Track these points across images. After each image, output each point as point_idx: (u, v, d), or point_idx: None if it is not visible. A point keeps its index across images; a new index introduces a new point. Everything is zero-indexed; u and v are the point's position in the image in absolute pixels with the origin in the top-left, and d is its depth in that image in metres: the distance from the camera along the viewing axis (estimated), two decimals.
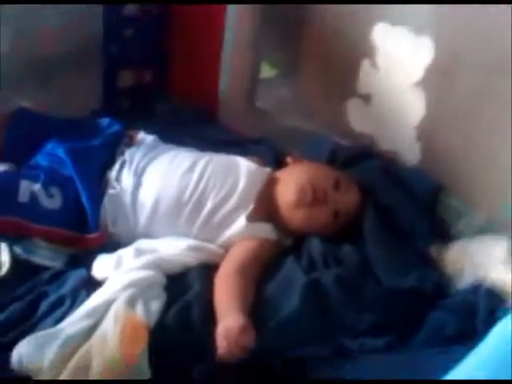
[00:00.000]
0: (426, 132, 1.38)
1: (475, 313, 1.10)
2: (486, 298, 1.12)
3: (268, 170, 1.36)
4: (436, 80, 1.34)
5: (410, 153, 1.41)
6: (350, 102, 1.49)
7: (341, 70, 1.48)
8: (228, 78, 1.65)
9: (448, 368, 1.00)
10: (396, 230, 1.28)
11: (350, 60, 1.45)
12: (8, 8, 1.45)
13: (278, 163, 1.43)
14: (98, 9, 1.57)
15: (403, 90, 1.39)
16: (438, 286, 1.17)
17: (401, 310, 1.14)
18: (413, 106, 1.38)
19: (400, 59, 1.38)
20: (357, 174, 1.37)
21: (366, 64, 1.43)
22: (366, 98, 1.46)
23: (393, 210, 1.30)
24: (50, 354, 1.00)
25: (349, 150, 1.45)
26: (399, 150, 1.43)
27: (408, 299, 1.15)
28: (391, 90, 1.41)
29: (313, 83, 1.57)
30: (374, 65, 1.43)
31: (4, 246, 1.18)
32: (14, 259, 1.17)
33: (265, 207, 1.30)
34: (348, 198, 1.30)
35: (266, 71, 1.66)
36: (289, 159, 1.40)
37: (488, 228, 1.28)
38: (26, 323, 1.07)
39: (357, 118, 1.49)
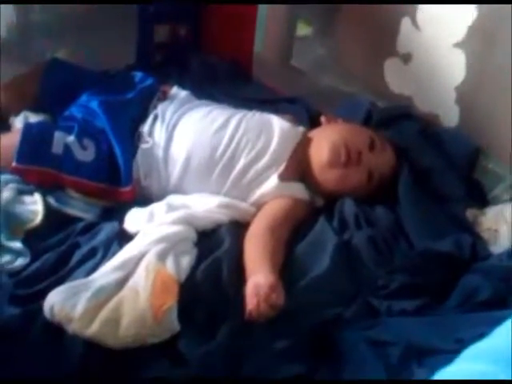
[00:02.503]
0: (466, 94, 1.35)
1: (510, 278, 1.09)
2: None
3: (301, 129, 1.34)
4: (478, 40, 1.31)
5: (449, 115, 1.38)
6: (389, 62, 1.46)
7: (380, 28, 1.45)
8: (263, 35, 1.63)
9: (478, 331, 0.99)
10: (431, 193, 1.27)
11: (390, 18, 1.41)
12: None
13: (312, 123, 1.41)
14: None
15: (444, 50, 1.36)
16: (474, 250, 1.15)
17: (433, 273, 1.13)
18: (453, 67, 1.35)
19: (442, 18, 1.35)
20: (393, 135, 1.35)
21: (406, 22, 1.40)
22: (406, 58, 1.43)
23: (429, 172, 1.29)
24: (81, 303, 1.01)
25: (386, 110, 1.43)
26: (438, 113, 1.40)
27: (441, 263, 1.14)
28: (431, 50, 1.38)
29: (350, 42, 1.53)
30: (414, 24, 1.39)
31: (38, 196, 1.18)
32: (48, 210, 1.17)
33: (297, 167, 1.29)
34: (383, 160, 1.28)
35: (302, 29, 1.63)
36: (323, 119, 1.37)
37: None
38: (58, 273, 1.08)
39: (395, 79, 1.46)
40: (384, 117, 1.41)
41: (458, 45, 1.33)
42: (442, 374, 0.63)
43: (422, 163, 1.30)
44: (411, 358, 1.02)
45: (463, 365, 0.63)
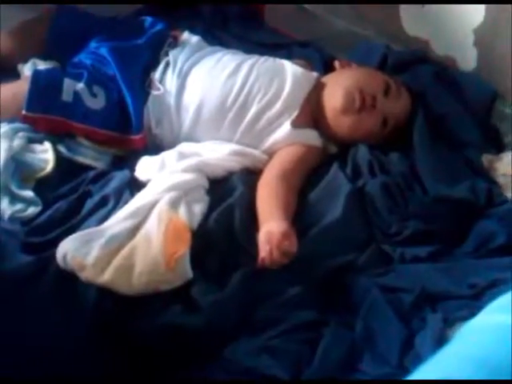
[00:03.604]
0: (484, 37, 1.31)
1: None
2: None
3: (315, 74, 1.32)
4: None
5: (467, 59, 1.35)
6: (405, 4, 1.41)
7: None
8: None
9: (492, 277, 0.99)
10: (447, 139, 1.25)
11: None
12: None
13: (326, 67, 1.39)
14: None
15: None
16: (489, 196, 1.14)
17: (447, 219, 1.12)
18: (471, 9, 1.31)
19: None
20: (408, 79, 1.32)
21: None
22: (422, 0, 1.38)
23: (445, 117, 1.26)
24: (94, 251, 1.01)
25: (401, 54, 1.39)
26: (455, 56, 1.37)
27: (456, 208, 1.13)
28: None
29: None
30: None
31: (48, 145, 1.18)
32: (58, 158, 1.17)
33: (310, 113, 1.27)
34: (398, 105, 1.26)
35: None
36: (337, 63, 1.35)
37: None
38: (71, 221, 1.09)
39: (411, 21, 1.42)
40: (399, 61, 1.37)
41: None
42: (467, 327, 0.63)
43: (437, 108, 1.27)
44: (424, 303, 1.02)
45: (487, 316, 0.62)
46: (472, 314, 0.94)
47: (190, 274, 1.02)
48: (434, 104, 1.28)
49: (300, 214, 1.12)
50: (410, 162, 1.21)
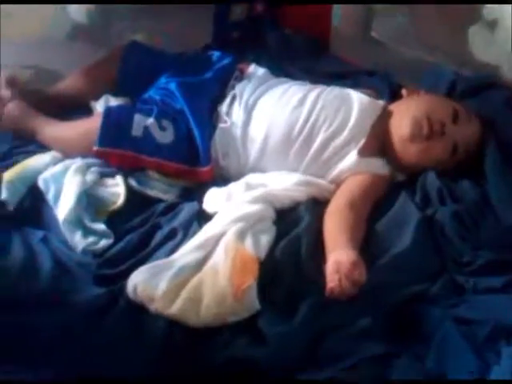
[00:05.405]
0: None
1: None
2: None
3: (382, 102, 1.31)
4: None
5: None
6: (473, 29, 1.40)
7: None
8: (341, 6, 1.59)
9: None
10: None
11: None
12: None
13: (393, 96, 1.38)
14: None
15: None
16: None
17: None
18: None
19: None
20: (478, 105, 1.29)
21: None
22: (491, 25, 1.36)
23: None
24: (163, 283, 1.02)
25: (470, 80, 1.37)
26: None
27: None
28: None
29: (432, 9, 1.47)
30: None
31: (119, 179, 1.21)
32: (129, 191, 1.19)
33: (377, 142, 1.26)
34: (468, 131, 1.23)
35: None
36: (404, 91, 1.34)
37: None
38: (141, 253, 1.10)
39: (480, 47, 1.40)
40: (469, 86, 1.35)
41: None
42: None
43: (509, 134, 1.24)
44: (499, 336, 0.99)
45: None
46: None
47: (257, 305, 1.02)
48: (505, 130, 1.25)
49: (368, 244, 1.11)
50: (482, 189, 1.18)
